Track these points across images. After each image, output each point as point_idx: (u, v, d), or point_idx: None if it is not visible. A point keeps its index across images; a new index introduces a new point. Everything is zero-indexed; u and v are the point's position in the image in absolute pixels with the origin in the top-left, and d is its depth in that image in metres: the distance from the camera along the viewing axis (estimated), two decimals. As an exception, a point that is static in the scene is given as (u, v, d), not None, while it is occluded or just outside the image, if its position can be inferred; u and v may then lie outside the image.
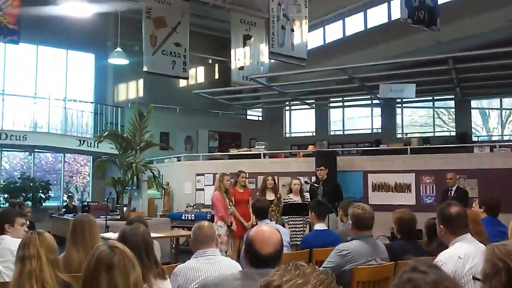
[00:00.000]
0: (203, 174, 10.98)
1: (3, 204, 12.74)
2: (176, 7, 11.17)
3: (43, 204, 13.43)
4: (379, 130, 16.50)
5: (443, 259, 2.80)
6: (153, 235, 3.65)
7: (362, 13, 15.26)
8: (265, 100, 16.55)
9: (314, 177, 9.20)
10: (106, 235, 4.90)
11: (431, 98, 15.84)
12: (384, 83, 11.05)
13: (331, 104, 17.25)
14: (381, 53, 12.80)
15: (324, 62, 13.29)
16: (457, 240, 2.91)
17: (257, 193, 7.54)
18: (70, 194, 14.19)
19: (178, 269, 3.00)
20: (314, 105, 16.83)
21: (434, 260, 3.07)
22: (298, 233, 6.58)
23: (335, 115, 17.86)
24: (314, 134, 17.64)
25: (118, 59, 12.16)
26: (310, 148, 11.09)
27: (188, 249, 8.77)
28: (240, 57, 13.19)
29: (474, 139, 15.16)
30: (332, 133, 17.50)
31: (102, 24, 14.06)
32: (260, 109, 18.57)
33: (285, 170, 10.04)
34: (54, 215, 11.69)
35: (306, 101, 16.21)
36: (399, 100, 15.48)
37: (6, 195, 12.96)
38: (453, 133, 15.67)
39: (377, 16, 14.84)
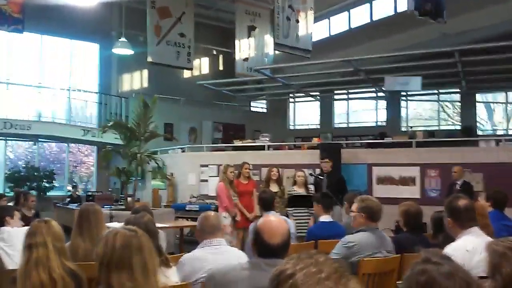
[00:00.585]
0: (207, 165, 10.97)
1: (8, 193, 12.77)
2: (180, -3, 11.14)
3: (47, 193, 13.48)
4: (384, 123, 16.46)
5: (450, 252, 2.78)
6: (157, 225, 3.66)
7: (367, 5, 15.17)
8: (269, 92, 16.50)
9: (318, 169, 9.21)
10: (110, 224, 4.90)
11: (436, 91, 15.76)
12: (389, 75, 10.99)
13: (336, 97, 17.19)
14: (387, 46, 12.73)
15: (329, 54, 13.23)
16: (465, 233, 2.90)
17: (261, 185, 7.53)
18: (74, 184, 14.22)
19: (184, 259, 3.00)
20: (318, 97, 16.78)
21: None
22: (302, 225, 6.56)
23: (339, 107, 17.81)
24: (318, 126, 17.60)
25: (122, 49, 12.14)
26: (315, 140, 11.07)
27: (192, 240, 8.78)
28: (244, 48, 13.14)
29: (479, 133, 15.10)
30: (336, 125, 17.46)
31: (107, 13, 14.01)
32: (265, 101, 18.53)
33: (289, 162, 10.00)
34: (58, 205, 11.73)
35: (311, 93, 16.15)
36: (404, 93, 15.43)
37: (11, 185, 13.01)
38: (458, 127, 15.61)
39: (382, 8, 14.75)
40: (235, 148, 11.52)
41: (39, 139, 14.04)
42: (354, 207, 3.66)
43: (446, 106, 16.85)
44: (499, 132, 15.51)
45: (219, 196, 6.88)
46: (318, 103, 17.56)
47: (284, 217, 5.09)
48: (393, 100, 15.99)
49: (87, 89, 14.74)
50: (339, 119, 17.69)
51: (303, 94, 16.46)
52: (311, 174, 7.45)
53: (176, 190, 11.48)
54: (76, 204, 11.90)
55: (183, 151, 12.42)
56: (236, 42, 12.94)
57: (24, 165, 13.91)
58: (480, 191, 7.79)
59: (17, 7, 9.63)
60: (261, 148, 10.95)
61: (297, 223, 6.46)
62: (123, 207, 8.74)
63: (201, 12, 13.76)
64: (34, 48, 14.05)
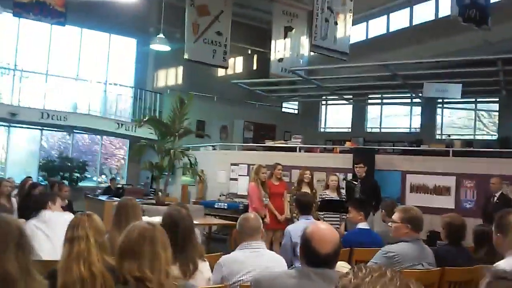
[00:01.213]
0: (237, 164, 10.97)
1: (42, 182, 13.09)
2: (219, -4, 11.18)
3: (79, 184, 13.74)
4: (418, 130, 16.13)
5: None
6: None
7: (408, 9, 14.87)
8: (302, 94, 16.38)
9: (350, 174, 9.08)
10: (147, 218, 4.93)
11: (473, 99, 15.36)
12: (428, 81, 10.75)
13: (369, 101, 16.95)
14: (426, 51, 12.46)
15: (366, 57, 13.02)
16: None
17: (293, 187, 7.47)
18: (113, 176, 14.46)
19: (222, 260, 2.98)
20: (351, 100, 16.58)
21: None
22: (333, 230, 6.48)
23: (372, 112, 17.55)
24: (349, 130, 17.38)
25: (159, 45, 12.24)
26: (347, 144, 10.92)
27: (219, 237, 8.82)
28: (280, 48, 13.06)
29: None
30: (368, 130, 17.21)
31: (146, 9, 14.17)
32: (296, 102, 18.42)
33: (320, 165, 9.90)
34: (89, 196, 11.93)
35: (344, 96, 15.96)
36: (440, 100, 15.07)
37: (44, 174, 13.31)
38: (495, 137, 15.17)
39: (423, 12, 14.43)
40: (266, 148, 11.48)
41: (74, 131, 14.32)
42: (397, 217, 3.53)
43: (482, 115, 16.40)
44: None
45: (249, 196, 6.86)
46: (350, 106, 17.35)
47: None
48: (429, 107, 15.64)
49: (123, 83, 14.97)
50: (372, 124, 17.43)
51: (336, 97, 16.28)
52: (344, 179, 7.34)
53: (206, 187, 11.53)
54: (106, 196, 12.12)
55: (214, 149, 12.46)
56: (272, 42, 12.87)
57: (57, 155, 14.21)
58: (519, 205, 7.55)
59: (61, 0, 9.82)
60: (293, 149, 10.89)
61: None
62: (153, 201, 8.82)
63: (238, 11, 13.76)
64: (74, 41, 14.33)
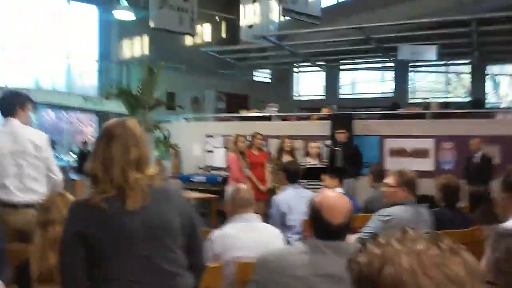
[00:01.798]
0: (212, 136, 10.65)
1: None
2: (185, -41, 10.63)
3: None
4: (391, 95, 16.08)
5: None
6: None
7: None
8: (274, 61, 16.03)
9: (329, 141, 8.92)
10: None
11: (445, 62, 15.35)
12: (402, 44, 10.58)
13: (342, 67, 16.75)
14: (399, 14, 12.23)
15: (338, 21, 12.74)
16: None
17: (273, 156, 7.24)
18: (84, 140, 13.85)
19: (214, 236, 2.73)
20: (324, 67, 16.34)
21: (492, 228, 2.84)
22: (317, 198, 6.31)
23: (344, 78, 17.39)
24: (323, 97, 17.21)
25: (123, 13, 11.60)
26: (324, 111, 10.71)
27: (198, 212, 8.51)
28: (249, 14, 12.68)
29: (488, 106, 14.77)
30: (342, 96, 17.07)
31: (106, -26, 13.43)
32: (268, 71, 18.07)
33: (297, 133, 9.70)
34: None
35: (317, 63, 15.70)
36: (412, 64, 15.01)
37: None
38: (467, 99, 15.27)
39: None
40: (241, 118, 11.18)
41: (38, 107, 13.62)
42: (393, 181, 3.41)
43: (454, 78, 16.47)
44: (503, 105, 15.19)
45: (229, 167, 6.59)
46: (323, 73, 17.12)
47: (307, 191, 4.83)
48: (401, 71, 15.58)
49: (86, 55, 14.27)
50: (344, 90, 17.29)
51: (309, 64, 16.00)
52: (327, 146, 7.15)
53: (181, 161, 11.18)
54: (78, 176, 11.67)
55: (187, 120, 12.08)
56: (241, 7, 12.46)
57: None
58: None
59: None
60: (268, 118, 10.62)
61: (312, 196, 6.20)
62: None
63: (204, -25, 13.19)
64: (30, 10, 13.46)
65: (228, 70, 15.94)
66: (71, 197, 2.46)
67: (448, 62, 15.39)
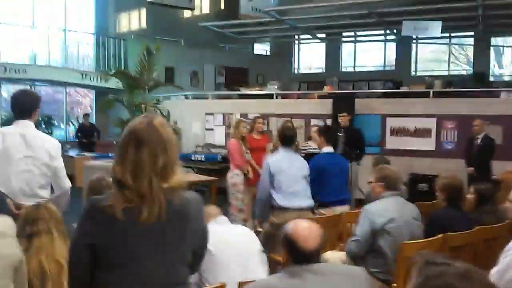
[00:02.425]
0: (212, 114, 10.56)
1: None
2: None
3: (47, 139, 13.09)
4: (393, 68, 15.86)
5: None
6: None
7: None
8: (274, 35, 15.74)
9: (329, 120, 8.83)
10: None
11: (448, 35, 15.07)
12: (405, 19, 10.36)
13: (343, 39, 16.45)
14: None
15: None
16: None
17: (274, 140, 7.16)
18: (86, 112, 13.73)
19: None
20: (325, 39, 16.05)
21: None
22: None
23: (345, 50, 17.09)
24: (324, 70, 16.97)
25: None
26: (326, 89, 10.57)
27: (198, 190, 8.52)
28: (249, -14, 12.34)
29: (491, 79, 14.60)
30: (343, 69, 16.83)
31: None
32: (268, 44, 17.75)
33: (297, 112, 9.62)
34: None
35: (317, 35, 15.41)
36: (414, 36, 14.74)
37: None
38: (470, 72, 15.09)
39: None
40: (241, 96, 11.06)
41: (35, 83, 13.47)
42: (373, 177, 3.56)
43: (456, 50, 16.22)
44: (506, 78, 15.01)
45: (230, 153, 6.51)
46: (323, 45, 16.82)
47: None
48: (403, 43, 15.28)
49: (83, 30, 13.99)
50: (346, 63, 17.01)
51: (310, 36, 15.71)
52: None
53: (180, 139, 11.11)
54: (76, 152, 11.62)
55: (187, 98, 11.95)
56: (241, -21, 12.12)
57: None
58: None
59: None
60: (268, 96, 10.50)
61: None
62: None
63: None
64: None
65: (227, 44, 15.66)
66: (53, 207, 2.52)
67: (452, 35, 15.10)
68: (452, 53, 16.17)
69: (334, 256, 3.59)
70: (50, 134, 13.27)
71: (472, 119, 7.55)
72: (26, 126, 3.23)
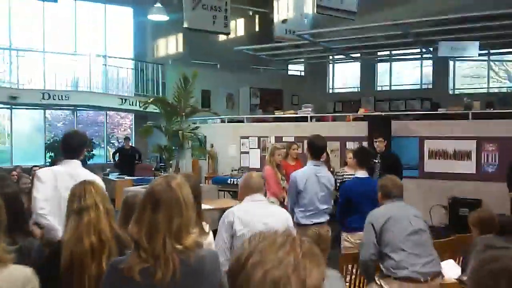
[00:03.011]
0: (247, 137, 10.66)
1: (47, 163, 12.85)
2: (217, -42, 10.56)
3: (87, 162, 13.49)
4: (430, 85, 15.59)
5: None
6: (204, 207, 3.52)
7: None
8: (308, 56, 15.80)
9: (365, 142, 8.75)
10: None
11: (486, 51, 14.74)
12: (441, 38, 10.21)
13: (378, 58, 16.33)
14: (437, 6, 11.78)
15: (373, 13, 12.38)
16: None
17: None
18: (126, 136, 14.11)
19: (228, 213, 3.15)
20: (360, 58, 15.98)
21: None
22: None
23: (381, 68, 16.94)
24: (359, 89, 16.88)
25: (157, 15, 11.69)
26: (361, 111, 10.51)
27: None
28: (283, 8, 12.51)
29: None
30: (378, 88, 16.67)
31: (140, -23, 13.52)
32: (302, 64, 17.82)
33: (333, 134, 9.58)
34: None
35: (352, 55, 15.37)
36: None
37: (51, 154, 13.03)
38: (510, 89, 14.67)
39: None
40: (276, 119, 11.13)
41: (77, 109, 13.98)
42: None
43: (496, 65, 15.83)
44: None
45: (266, 180, 6.54)
46: (358, 64, 16.74)
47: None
48: (440, 59, 15.00)
49: (122, 56, 14.47)
50: (381, 81, 16.85)
51: (344, 56, 15.69)
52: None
53: (217, 162, 11.27)
54: (116, 175, 11.93)
55: (223, 121, 12.12)
56: (274, 2, 12.28)
57: (63, 134, 13.87)
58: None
59: (51, -23, 9.27)
60: (303, 119, 10.52)
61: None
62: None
63: (236, -29, 13.06)
64: (68, 15, 13.75)
65: (262, 65, 15.82)
66: (100, 183, 2.65)
67: (489, 51, 14.76)
68: (492, 69, 15.79)
69: None
70: (92, 156, 13.70)
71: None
72: (74, 167, 3.39)
